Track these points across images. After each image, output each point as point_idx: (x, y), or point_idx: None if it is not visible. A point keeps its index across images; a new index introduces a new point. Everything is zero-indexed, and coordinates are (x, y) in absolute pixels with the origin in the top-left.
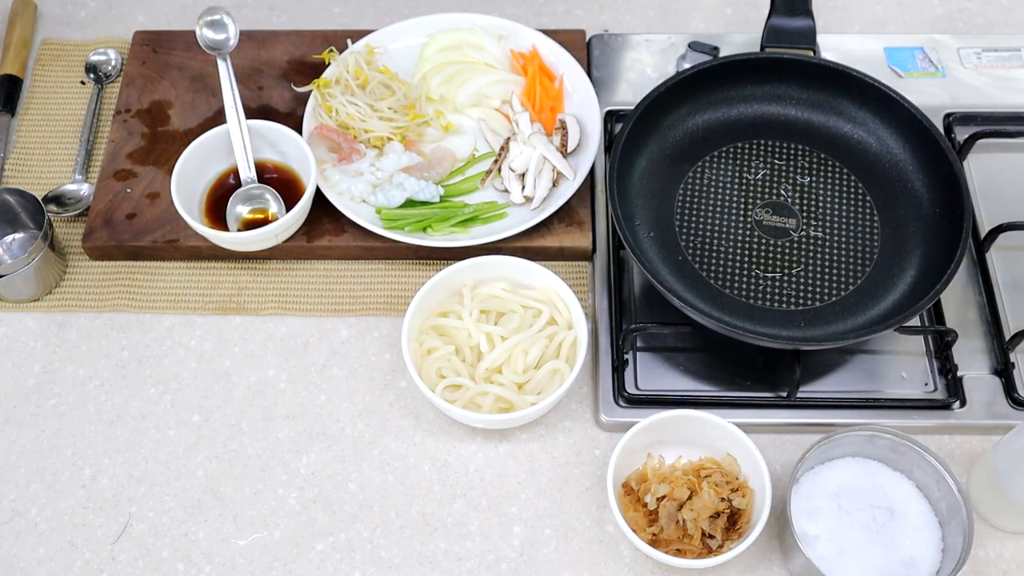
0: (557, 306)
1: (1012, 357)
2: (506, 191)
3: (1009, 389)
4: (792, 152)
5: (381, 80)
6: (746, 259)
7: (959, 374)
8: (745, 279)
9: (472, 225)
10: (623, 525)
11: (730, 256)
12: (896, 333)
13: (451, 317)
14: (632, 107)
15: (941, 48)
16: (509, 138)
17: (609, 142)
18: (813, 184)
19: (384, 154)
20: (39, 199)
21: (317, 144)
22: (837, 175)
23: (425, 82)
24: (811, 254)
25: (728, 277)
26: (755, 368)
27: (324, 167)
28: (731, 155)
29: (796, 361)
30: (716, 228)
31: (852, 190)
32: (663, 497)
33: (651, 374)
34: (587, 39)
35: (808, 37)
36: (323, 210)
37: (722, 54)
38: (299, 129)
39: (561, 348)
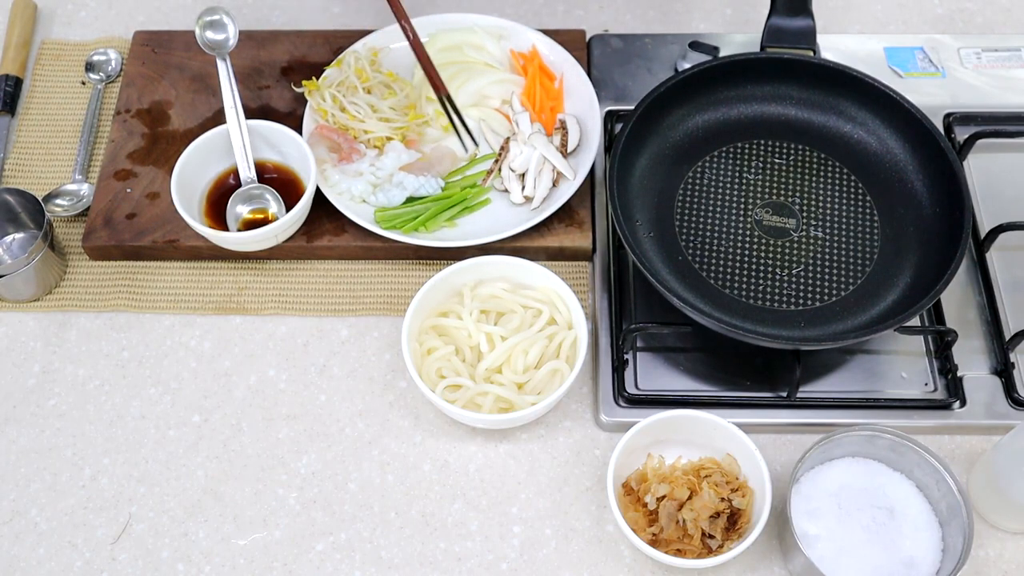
0: (557, 306)
1: (1012, 357)
2: (506, 191)
3: (1009, 389)
4: (792, 152)
5: (382, 80)
6: (746, 259)
7: (959, 374)
8: (745, 279)
9: (461, 215)
10: (623, 525)
11: (730, 256)
12: (896, 333)
13: (451, 317)
14: (632, 107)
15: (941, 48)
16: (509, 138)
17: (609, 142)
18: (813, 184)
19: (384, 153)
20: (39, 199)
21: (317, 144)
22: (837, 175)
23: (425, 82)
24: (811, 254)
25: (728, 277)
26: (755, 368)
27: (324, 167)
28: (731, 155)
29: (796, 361)
30: (716, 228)
31: (852, 190)
32: (663, 497)
33: (651, 374)
34: (587, 39)
35: (808, 37)
36: (323, 210)
37: (722, 54)
38: (299, 129)
39: (561, 348)
